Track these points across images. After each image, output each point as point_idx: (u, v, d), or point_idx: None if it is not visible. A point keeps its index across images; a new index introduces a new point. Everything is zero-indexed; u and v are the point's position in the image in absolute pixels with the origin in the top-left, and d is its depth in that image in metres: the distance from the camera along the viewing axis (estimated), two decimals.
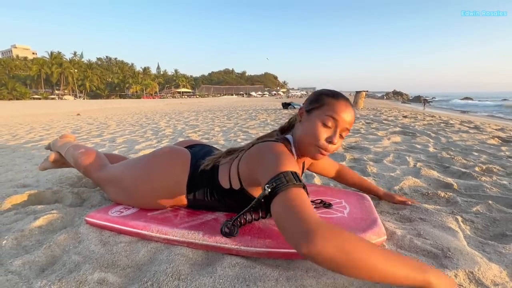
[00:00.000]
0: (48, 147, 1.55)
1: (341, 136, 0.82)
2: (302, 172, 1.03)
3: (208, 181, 0.94)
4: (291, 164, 0.70)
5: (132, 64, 73.27)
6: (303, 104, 0.88)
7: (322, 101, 0.81)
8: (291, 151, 0.86)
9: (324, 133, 0.79)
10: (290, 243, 0.57)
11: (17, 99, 43.05)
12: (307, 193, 0.66)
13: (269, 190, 0.65)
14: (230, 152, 0.95)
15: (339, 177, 1.28)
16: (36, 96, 48.49)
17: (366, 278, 0.51)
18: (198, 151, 1.06)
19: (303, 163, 1.00)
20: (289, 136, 0.89)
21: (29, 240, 0.93)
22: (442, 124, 4.27)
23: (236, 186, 0.88)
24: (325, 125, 0.79)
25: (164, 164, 1.00)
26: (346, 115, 0.79)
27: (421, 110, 11.16)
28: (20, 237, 0.93)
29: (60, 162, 1.41)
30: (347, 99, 0.84)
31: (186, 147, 1.13)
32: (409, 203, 1.17)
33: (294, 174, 0.67)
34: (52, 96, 51.03)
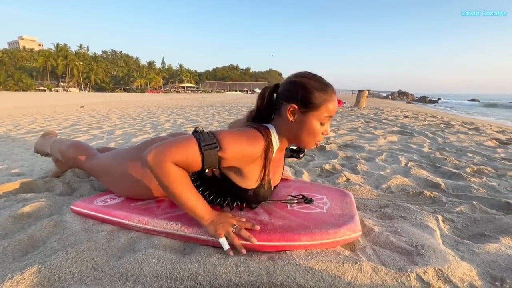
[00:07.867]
0: (36, 151, 1.46)
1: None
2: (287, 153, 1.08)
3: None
4: (234, 144, 0.77)
5: (137, 58, 73.51)
6: (289, 98, 0.82)
7: (316, 100, 0.80)
8: (271, 139, 0.85)
9: (321, 130, 0.85)
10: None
11: (23, 90, 43.49)
12: (202, 153, 0.74)
13: (198, 130, 0.81)
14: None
15: None
16: (42, 88, 48.88)
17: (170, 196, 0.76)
18: None
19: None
20: (270, 126, 0.87)
21: (15, 226, 0.96)
22: (442, 125, 4.23)
23: (217, 173, 0.90)
24: (322, 124, 0.84)
25: None
26: (336, 106, 0.84)
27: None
28: (8, 223, 0.96)
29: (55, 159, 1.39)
30: (333, 89, 0.85)
31: None
32: None
33: (211, 135, 0.76)
34: (56, 88, 51.39)
